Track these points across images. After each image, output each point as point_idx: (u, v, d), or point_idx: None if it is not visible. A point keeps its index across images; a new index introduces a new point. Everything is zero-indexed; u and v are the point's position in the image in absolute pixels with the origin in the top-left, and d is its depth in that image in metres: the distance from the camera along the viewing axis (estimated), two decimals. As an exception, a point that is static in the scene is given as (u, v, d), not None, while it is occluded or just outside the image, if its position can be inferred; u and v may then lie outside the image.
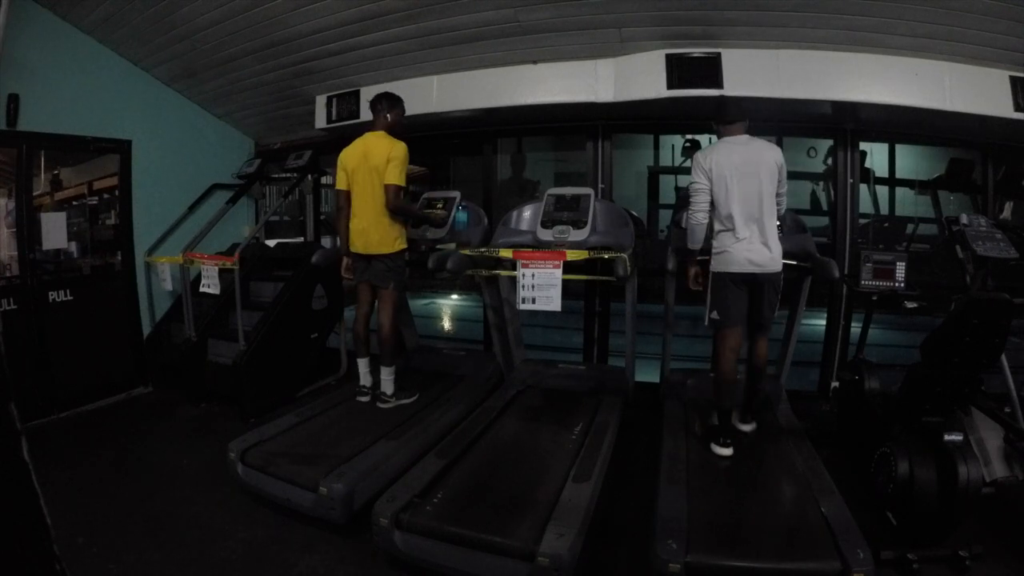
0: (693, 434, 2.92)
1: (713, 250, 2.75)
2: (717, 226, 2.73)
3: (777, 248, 2.66)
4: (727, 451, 2.71)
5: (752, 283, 2.69)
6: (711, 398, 3.33)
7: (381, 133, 3.22)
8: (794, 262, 3.05)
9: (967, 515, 2.19)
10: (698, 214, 2.73)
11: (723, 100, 2.87)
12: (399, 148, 3.14)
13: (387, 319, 3.36)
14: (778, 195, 2.72)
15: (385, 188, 3.12)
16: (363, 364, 3.47)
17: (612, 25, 3.28)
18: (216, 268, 3.84)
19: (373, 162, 3.13)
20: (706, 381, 3.56)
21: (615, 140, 4.18)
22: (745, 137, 2.73)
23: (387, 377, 3.34)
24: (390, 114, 3.26)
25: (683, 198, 3.19)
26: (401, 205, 3.21)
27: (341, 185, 3.31)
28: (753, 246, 2.63)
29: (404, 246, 3.34)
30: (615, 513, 2.59)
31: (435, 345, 4.67)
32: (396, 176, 3.11)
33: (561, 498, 2.27)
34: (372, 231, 3.22)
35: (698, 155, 2.77)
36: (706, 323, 2.82)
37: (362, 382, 3.45)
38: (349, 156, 3.26)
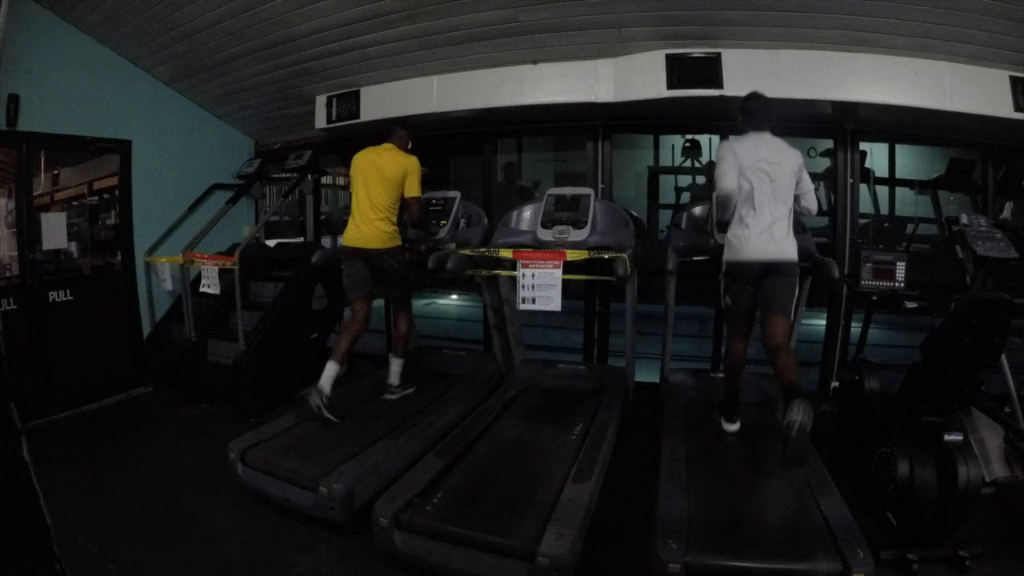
0: (693, 434, 2.92)
1: (727, 239, 2.78)
2: (735, 215, 2.75)
3: (789, 241, 2.69)
4: (734, 426, 2.88)
5: (765, 273, 2.69)
6: (711, 398, 3.34)
7: (392, 146, 3.40)
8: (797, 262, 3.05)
9: (967, 515, 2.19)
10: (729, 187, 2.73)
11: (756, 97, 2.82)
12: (414, 162, 3.37)
13: (404, 321, 3.56)
14: (804, 193, 2.75)
15: (408, 202, 3.35)
16: (332, 368, 3.19)
17: (612, 25, 3.28)
18: (216, 268, 3.84)
19: (388, 172, 3.29)
20: (706, 381, 3.57)
21: (615, 140, 4.18)
22: (768, 135, 2.76)
23: (396, 369, 3.51)
24: (410, 141, 3.50)
25: (695, 197, 3.19)
26: (422, 215, 3.50)
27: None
28: (764, 236, 2.65)
29: (399, 243, 3.42)
30: (615, 513, 2.59)
31: (435, 345, 4.67)
32: (416, 189, 3.35)
33: (561, 498, 2.27)
34: (370, 228, 3.29)
35: (724, 145, 2.87)
36: (722, 306, 2.91)
37: (321, 384, 3.11)
38: (358, 163, 3.38)
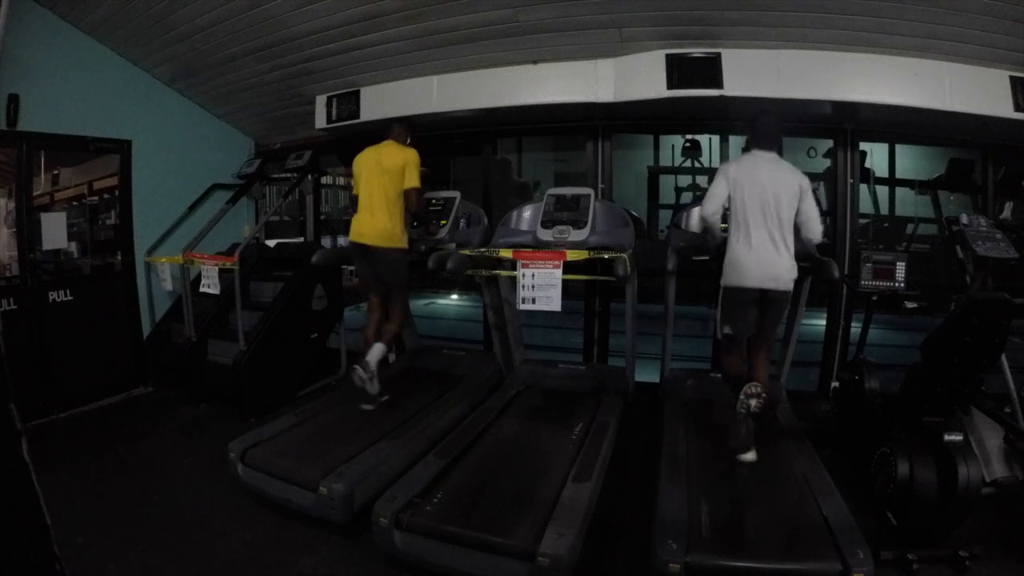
0: (693, 434, 2.91)
1: (725, 261, 2.74)
2: (732, 236, 2.72)
3: (788, 264, 2.65)
4: (750, 455, 2.57)
5: (761, 300, 2.68)
6: (711, 398, 3.35)
7: (391, 142, 3.41)
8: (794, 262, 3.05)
9: (967, 515, 2.19)
10: (708, 212, 2.79)
11: (767, 115, 2.81)
12: (413, 153, 3.36)
13: (398, 318, 3.48)
14: (804, 222, 2.68)
15: (407, 192, 3.31)
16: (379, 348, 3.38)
17: (612, 25, 3.28)
18: (216, 268, 3.84)
19: (387, 165, 3.29)
20: (706, 381, 3.57)
21: (615, 140, 4.18)
22: (773, 155, 2.74)
23: (376, 354, 3.26)
24: (409, 137, 3.50)
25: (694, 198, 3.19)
26: (422, 207, 3.48)
27: (357, 190, 3.46)
28: (761, 262, 2.62)
29: (405, 244, 3.39)
30: (615, 513, 2.59)
31: (435, 345, 4.67)
32: (416, 179, 3.32)
33: (561, 498, 2.27)
34: (377, 225, 3.29)
35: (722, 167, 2.84)
36: (718, 336, 2.86)
37: (367, 358, 3.30)
38: (361, 161, 3.40)
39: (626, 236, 3.34)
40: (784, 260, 2.64)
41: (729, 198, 2.71)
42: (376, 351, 3.29)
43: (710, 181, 2.90)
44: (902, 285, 2.97)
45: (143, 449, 3.36)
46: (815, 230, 2.70)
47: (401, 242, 3.35)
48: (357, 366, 3.21)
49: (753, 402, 2.57)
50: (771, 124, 2.77)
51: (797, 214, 2.67)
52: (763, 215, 2.62)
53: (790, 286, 2.67)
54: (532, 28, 3.37)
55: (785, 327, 3.39)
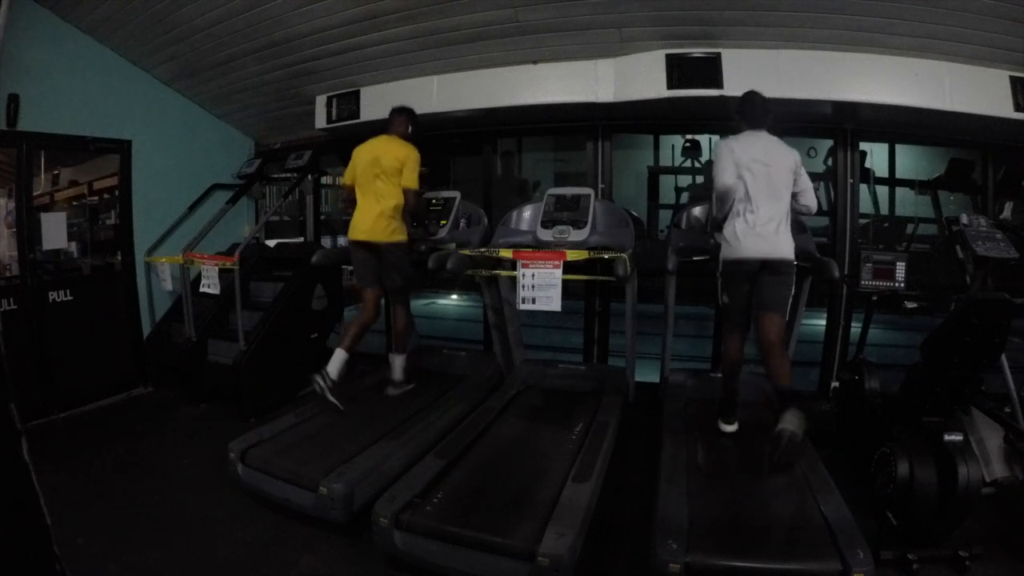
0: (693, 434, 2.91)
1: (723, 237, 2.79)
2: (732, 211, 2.77)
3: (785, 239, 2.70)
4: (731, 427, 2.90)
5: (761, 271, 2.70)
6: (711, 398, 3.34)
7: (395, 137, 3.37)
8: (795, 262, 3.05)
9: (967, 515, 2.19)
10: (728, 182, 2.72)
11: (753, 96, 2.84)
12: (412, 152, 3.31)
13: (402, 315, 3.54)
14: (803, 191, 2.78)
15: (404, 193, 3.29)
16: (339, 355, 3.30)
17: (612, 25, 3.28)
18: (216, 268, 3.85)
19: (385, 163, 3.27)
20: (706, 381, 3.57)
21: (615, 140, 4.18)
22: (765, 133, 2.79)
23: (399, 364, 3.54)
24: (411, 126, 3.46)
25: (693, 197, 3.18)
26: (420, 208, 3.47)
27: (348, 180, 3.44)
28: (759, 234, 2.66)
29: (404, 238, 3.41)
30: (615, 513, 2.59)
31: (435, 345, 4.67)
32: (414, 180, 3.29)
33: (561, 498, 2.26)
34: (374, 222, 3.31)
35: (721, 143, 2.89)
36: (719, 304, 2.94)
37: (327, 368, 3.23)
38: (361, 153, 3.38)
39: (626, 236, 3.34)
40: (783, 233, 2.70)
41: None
42: (399, 362, 3.51)
43: (709, 180, 2.91)
44: (902, 285, 2.97)
45: (143, 449, 3.36)
46: (811, 199, 2.81)
47: (400, 236, 3.36)
48: (391, 389, 3.47)
49: (791, 428, 2.44)
50: (758, 103, 2.81)
51: (794, 186, 2.75)
52: (762, 191, 2.67)
53: (792, 256, 2.71)
54: (532, 28, 3.37)
55: (785, 327, 3.39)
